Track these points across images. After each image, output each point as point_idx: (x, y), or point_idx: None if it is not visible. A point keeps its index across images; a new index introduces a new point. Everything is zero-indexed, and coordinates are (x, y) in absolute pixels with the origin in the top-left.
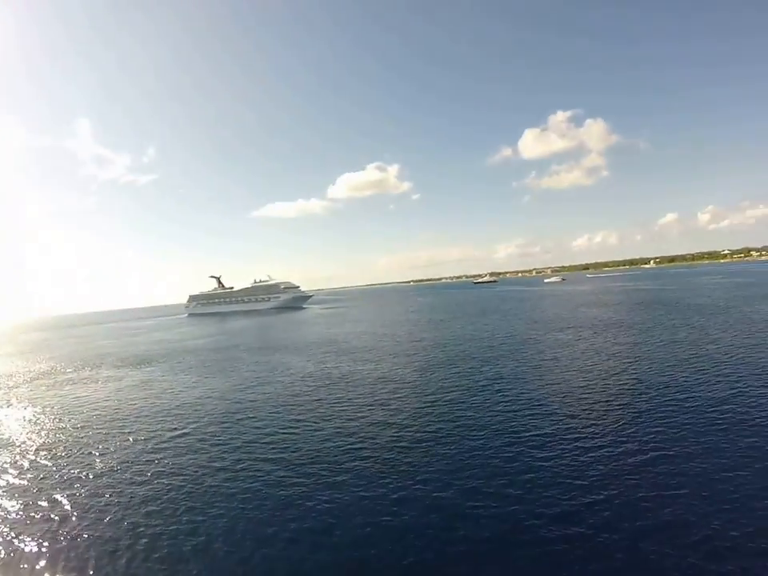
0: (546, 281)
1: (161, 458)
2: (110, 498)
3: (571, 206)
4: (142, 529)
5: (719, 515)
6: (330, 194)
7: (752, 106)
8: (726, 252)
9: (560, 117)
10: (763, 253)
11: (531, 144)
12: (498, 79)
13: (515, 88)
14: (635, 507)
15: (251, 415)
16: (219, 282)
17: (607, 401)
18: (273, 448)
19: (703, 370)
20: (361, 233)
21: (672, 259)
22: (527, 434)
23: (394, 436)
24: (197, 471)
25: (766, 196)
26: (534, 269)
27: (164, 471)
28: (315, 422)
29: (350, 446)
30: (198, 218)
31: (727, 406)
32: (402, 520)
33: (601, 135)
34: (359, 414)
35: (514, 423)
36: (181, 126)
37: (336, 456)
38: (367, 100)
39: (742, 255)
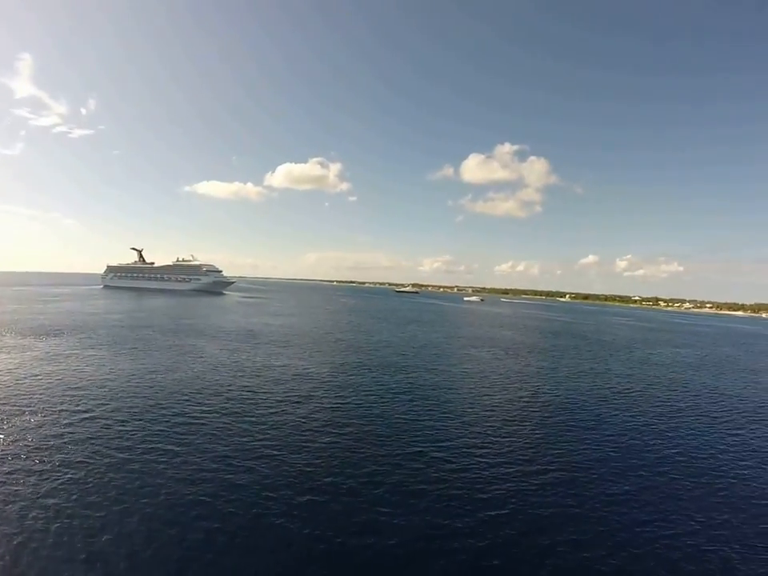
0: (465, 299)
1: (59, 441)
2: None
3: (501, 233)
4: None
5: (613, 536)
6: (268, 182)
7: (676, 170)
8: (637, 298)
9: (506, 148)
10: (669, 303)
11: (474, 168)
12: (457, 105)
13: (471, 116)
14: (538, 524)
15: (159, 401)
16: (140, 256)
17: (514, 419)
18: (175, 437)
19: (604, 398)
20: (293, 225)
21: (586, 296)
22: (434, 445)
23: (298, 435)
24: (94, 459)
25: (682, 257)
26: (456, 286)
27: (62, 456)
28: (223, 414)
29: (255, 442)
30: (129, 183)
31: (626, 434)
32: (293, 527)
33: (541, 173)
34: (268, 410)
35: (422, 434)
36: (128, 83)
37: (236, 450)
38: (325, 91)
39: (651, 303)
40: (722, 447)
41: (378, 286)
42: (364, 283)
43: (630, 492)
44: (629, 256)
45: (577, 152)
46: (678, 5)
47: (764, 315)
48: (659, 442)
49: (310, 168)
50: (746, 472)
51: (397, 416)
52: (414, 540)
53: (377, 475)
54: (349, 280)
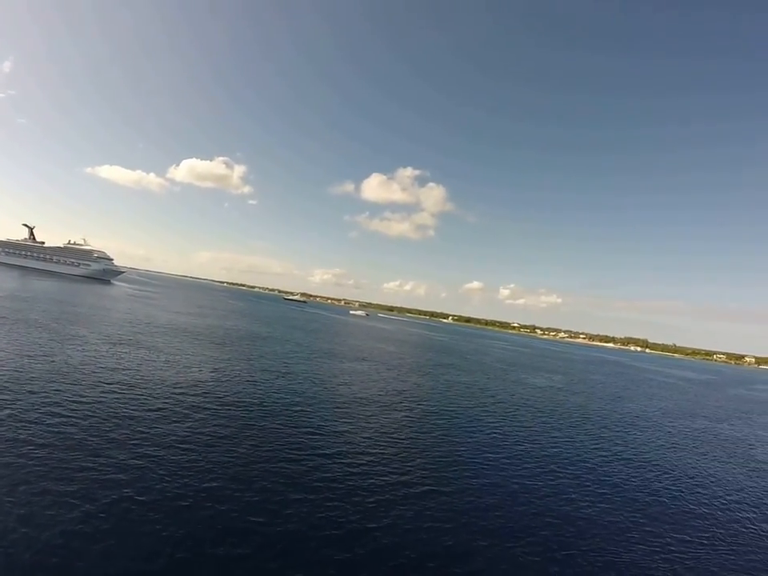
0: (351, 312)
1: None
2: None
3: (392, 252)
4: None
5: (484, 548)
6: (171, 174)
7: (566, 211)
8: (516, 324)
9: (408, 172)
10: (546, 332)
11: (374, 187)
12: (365, 127)
13: (379, 138)
14: (409, 536)
15: (14, 394)
16: (31, 234)
17: (389, 432)
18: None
19: (477, 416)
20: (190, 222)
21: (468, 319)
22: (310, 453)
23: (136, 437)
24: None
25: (561, 290)
26: (344, 299)
27: None
28: (78, 411)
29: (95, 437)
30: (30, 155)
31: (496, 447)
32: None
33: (438, 199)
34: (128, 413)
35: (297, 442)
36: (45, 53)
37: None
38: (239, 94)
39: (528, 330)
40: (577, 450)
41: (267, 291)
42: (254, 287)
43: (502, 503)
44: (512, 285)
45: (474, 185)
46: (571, 58)
47: (632, 348)
48: (524, 453)
49: (215, 166)
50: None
51: (274, 424)
52: (277, 545)
53: (246, 481)
54: (240, 283)
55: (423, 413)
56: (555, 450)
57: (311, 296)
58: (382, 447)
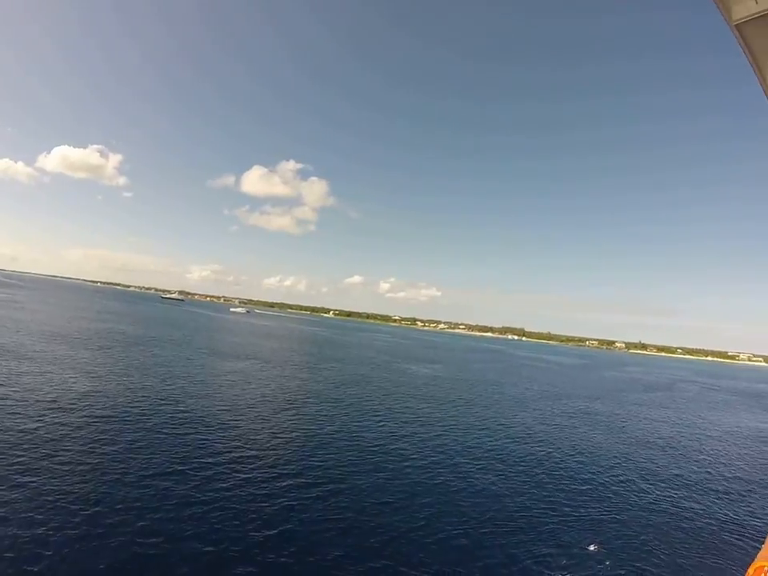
0: (232, 309)
1: None
2: None
3: (273, 247)
4: None
5: (389, 546)
6: (41, 163)
7: (444, 213)
8: (397, 317)
9: (290, 165)
10: (426, 324)
11: (255, 180)
12: (246, 119)
13: (259, 130)
14: (311, 540)
15: None
16: None
17: (278, 432)
18: None
19: (362, 407)
20: (61, 216)
21: (350, 313)
22: (199, 463)
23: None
24: None
25: (440, 283)
26: (224, 296)
27: None
28: None
29: None
30: None
31: (388, 438)
32: None
33: (320, 194)
34: None
35: (183, 451)
36: None
37: None
38: (104, 81)
39: (410, 323)
40: (464, 433)
41: (144, 290)
42: (129, 287)
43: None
44: (392, 279)
45: (356, 181)
46: (456, 65)
47: (509, 336)
48: (414, 440)
49: (89, 155)
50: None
51: (153, 427)
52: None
53: (125, 487)
54: (114, 282)
55: (311, 410)
56: (442, 434)
57: (190, 294)
58: (271, 450)
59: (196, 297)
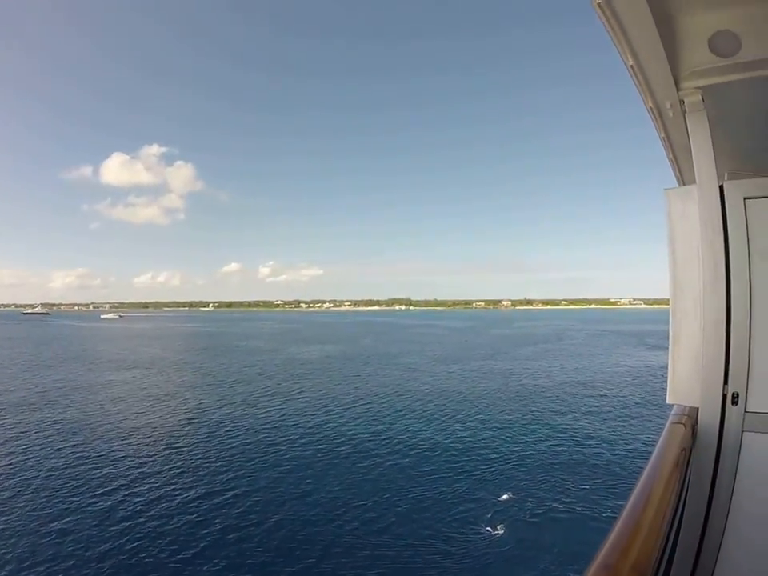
0: (102, 316)
1: None
2: None
3: (141, 241)
4: None
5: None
6: None
7: (316, 181)
8: (280, 302)
9: (154, 150)
10: (311, 305)
11: (116, 169)
12: (97, 101)
13: (115, 112)
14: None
15: None
16: None
17: (170, 443)
18: None
19: (252, 402)
20: None
21: (230, 304)
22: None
23: None
24: None
25: (322, 261)
26: (93, 303)
27: None
28: None
29: None
30: None
31: (285, 427)
32: None
33: (187, 179)
34: None
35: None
36: None
37: None
38: None
39: (293, 306)
40: (359, 410)
41: (3, 308)
42: None
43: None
44: (271, 263)
45: (224, 160)
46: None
47: (397, 307)
48: (306, 424)
49: None
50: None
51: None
52: None
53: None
54: None
55: (204, 411)
56: (339, 412)
57: (55, 305)
58: (168, 458)
59: (62, 308)
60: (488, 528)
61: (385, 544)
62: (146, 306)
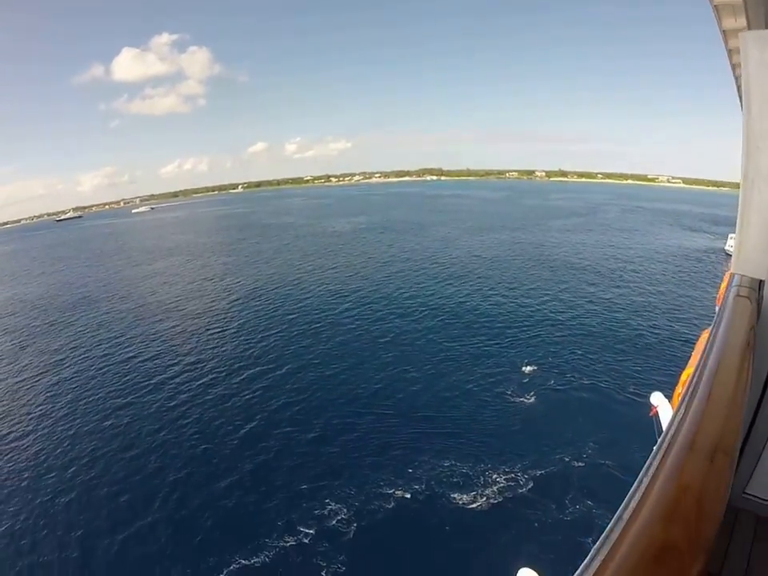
0: (134, 211)
1: None
2: None
3: (163, 132)
4: None
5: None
6: None
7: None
8: (309, 177)
9: (164, 39)
10: (341, 178)
11: (127, 64)
12: None
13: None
14: None
15: None
16: None
17: (217, 317)
18: None
19: (299, 279)
20: None
21: (259, 184)
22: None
23: None
24: None
25: (350, 133)
26: (123, 199)
27: None
28: None
29: None
30: None
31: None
32: None
33: (203, 63)
34: None
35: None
36: None
37: None
38: None
39: (323, 180)
40: (400, 273)
41: (35, 220)
42: (19, 221)
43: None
44: (298, 139)
45: (239, 40)
46: None
47: (428, 178)
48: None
49: None
50: None
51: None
52: None
53: None
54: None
55: (245, 287)
56: (369, 282)
57: (86, 208)
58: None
59: (94, 209)
60: (517, 394)
61: (421, 393)
62: (175, 195)
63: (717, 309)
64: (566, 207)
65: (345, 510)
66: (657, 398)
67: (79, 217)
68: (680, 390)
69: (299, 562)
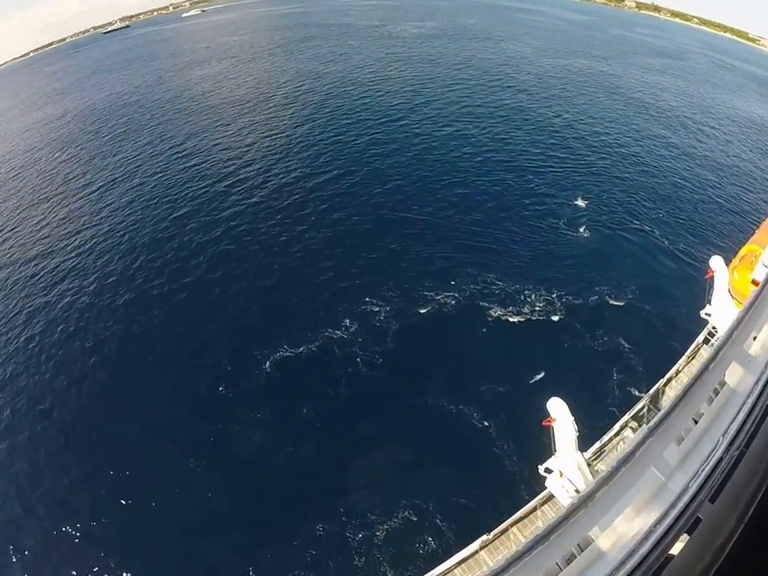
0: (184, 15)
1: None
2: None
3: None
4: None
5: None
6: None
7: None
8: None
9: None
10: None
11: None
12: None
13: None
14: None
15: None
16: None
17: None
18: None
19: (358, 84)
20: None
21: None
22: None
23: None
24: None
25: None
26: (171, 4)
27: None
28: None
29: None
30: None
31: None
32: None
33: None
34: None
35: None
36: None
37: None
38: None
39: None
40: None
41: (81, 36)
42: (64, 39)
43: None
44: None
45: None
46: None
47: None
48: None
49: None
50: None
51: None
52: None
53: None
54: (46, 44)
55: (298, 93)
56: (431, 92)
57: (132, 17)
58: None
59: (141, 17)
60: (569, 225)
61: (473, 207)
62: None
63: None
64: (652, 45)
65: (387, 309)
66: (716, 263)
67: (126, 26)
68: (736, 263)
69: (339, 354)
